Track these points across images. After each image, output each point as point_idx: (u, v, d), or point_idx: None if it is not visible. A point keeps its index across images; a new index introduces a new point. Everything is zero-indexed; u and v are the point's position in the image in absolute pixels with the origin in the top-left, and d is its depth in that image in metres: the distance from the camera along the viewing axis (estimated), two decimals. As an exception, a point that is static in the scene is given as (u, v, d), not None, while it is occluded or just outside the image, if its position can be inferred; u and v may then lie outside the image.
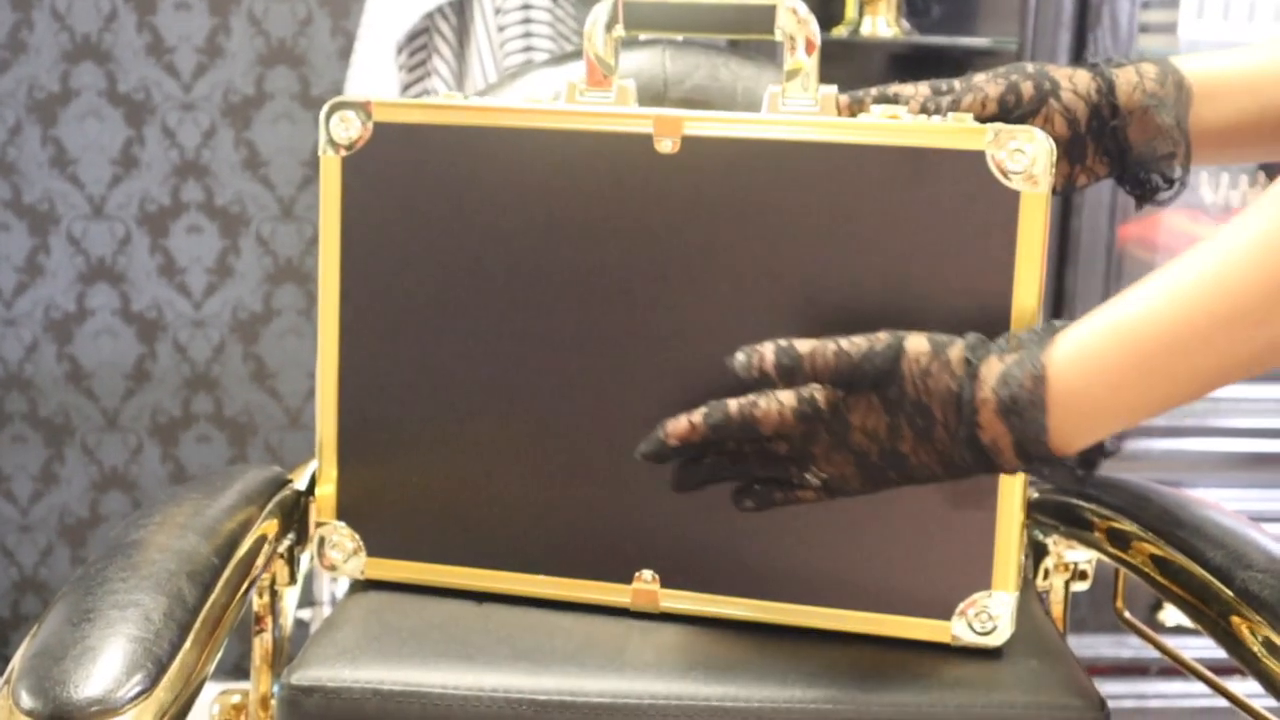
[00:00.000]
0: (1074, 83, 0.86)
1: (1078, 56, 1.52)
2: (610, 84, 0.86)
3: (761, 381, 0.75)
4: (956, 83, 0.91)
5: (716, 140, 0.81)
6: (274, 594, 0.93)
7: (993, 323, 0.77)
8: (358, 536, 0.90)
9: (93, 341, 1.97)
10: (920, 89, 0.90)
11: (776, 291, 0.81)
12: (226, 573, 0.77)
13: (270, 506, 0.88)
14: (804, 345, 0.75)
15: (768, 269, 0.81)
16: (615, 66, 0.86)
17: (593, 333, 0.84)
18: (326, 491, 0.90)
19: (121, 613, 0.68)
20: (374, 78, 1.75)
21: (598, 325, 0.84)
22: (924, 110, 0.87)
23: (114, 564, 0.73)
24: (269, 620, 0.93)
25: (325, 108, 0.87)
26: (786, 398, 0.75)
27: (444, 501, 0.89)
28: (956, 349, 0.73)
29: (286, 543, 0.92)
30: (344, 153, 0.86)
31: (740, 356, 0.75)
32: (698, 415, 0.76)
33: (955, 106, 0.86)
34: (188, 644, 0.69)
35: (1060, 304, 1.63)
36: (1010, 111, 0.86)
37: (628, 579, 0.87)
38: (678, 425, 0.76)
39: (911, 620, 0.83)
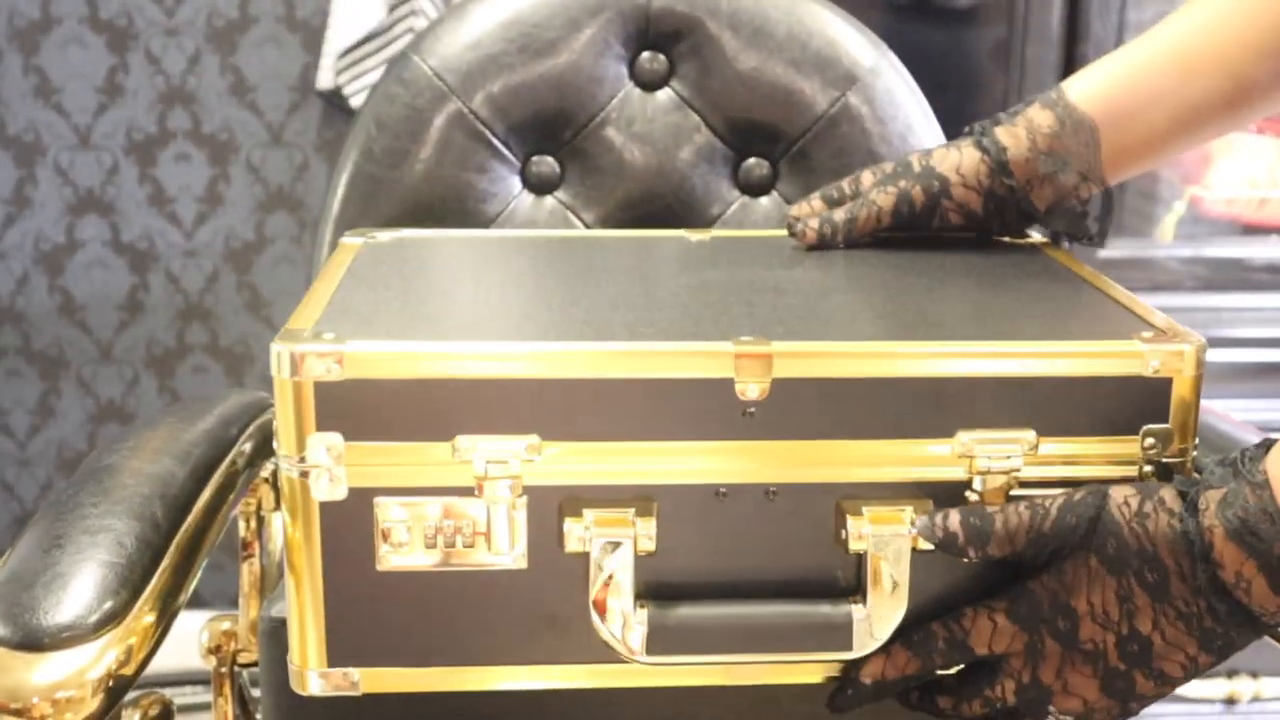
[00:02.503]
0: (962, 174, 0.83)
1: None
2: None
3: (946, 544, 0.66)
4: (846, 186, 0.88)
5: None
6: (260, 520, 0.92)
7: None
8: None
9: (84, 273, 1.94)
10: (814, 203, 0.88)
11: None
12: (203, 497, 0.76)
13: (250, 430, 0.86)
14: (992, 506, 0.66)
15: None
16: None
17: None
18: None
19: (93, 538, 0.67)
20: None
21: None
22: (820, 234, 0.85)
23: (86, 489, 0.72)
24: (256, 546, 0.92)
25: None
26: (997, 605, 0.66)
27: None
28: (1167, 488, 0.65)
29: (271, 467, 0.90)
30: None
31: (922, 519, 0.66)
32: (897, 648, 0.67)
33: (852, 226, 0.85)
34: (162, 569, 0.68)
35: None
36: (906, 221, 0.85)
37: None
38: (873, 665, 0.67)
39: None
